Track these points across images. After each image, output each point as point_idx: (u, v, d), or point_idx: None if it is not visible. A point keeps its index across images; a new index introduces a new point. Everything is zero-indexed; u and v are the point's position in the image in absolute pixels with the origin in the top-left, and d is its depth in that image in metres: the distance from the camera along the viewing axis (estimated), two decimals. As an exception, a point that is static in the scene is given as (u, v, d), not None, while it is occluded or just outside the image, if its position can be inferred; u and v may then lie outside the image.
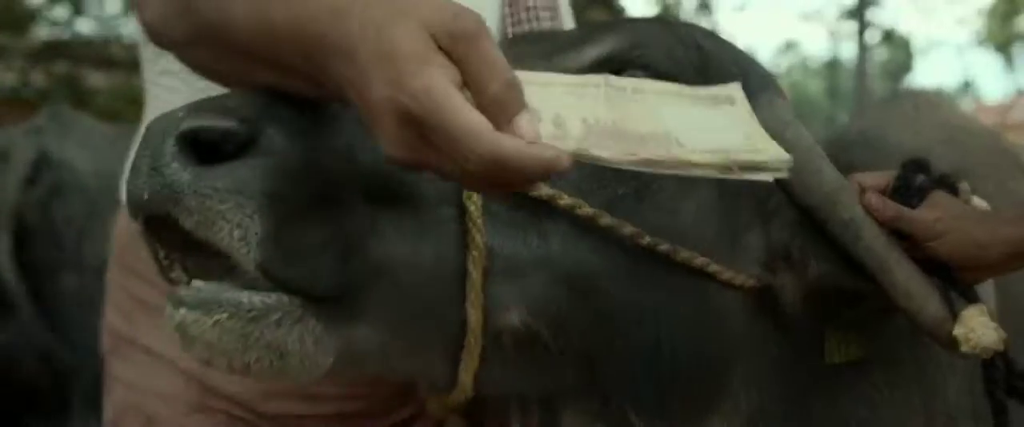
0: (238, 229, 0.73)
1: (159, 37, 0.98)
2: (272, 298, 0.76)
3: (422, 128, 0.65)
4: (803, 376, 1.00)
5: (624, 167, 0.71)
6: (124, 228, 1.27)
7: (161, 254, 0.80)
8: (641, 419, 0.95)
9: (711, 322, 0.96)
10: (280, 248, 0.74)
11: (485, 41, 0.67)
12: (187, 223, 0.74)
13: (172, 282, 0.81)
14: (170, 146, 0.74)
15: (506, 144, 0.64)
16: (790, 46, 34.23)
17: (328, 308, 0.78)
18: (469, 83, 0.67)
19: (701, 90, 0.84)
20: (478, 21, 0.68)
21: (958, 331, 0.85)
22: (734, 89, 0.84)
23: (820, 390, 1.01)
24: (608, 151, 0.70)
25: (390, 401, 1.23)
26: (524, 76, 0.71)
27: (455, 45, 0.67)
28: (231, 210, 0.73)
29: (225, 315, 0.75)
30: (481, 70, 0.67)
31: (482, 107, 0.66)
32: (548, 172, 0.66)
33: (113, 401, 1.28)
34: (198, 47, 0.91)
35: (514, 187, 0.70)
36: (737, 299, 0.97)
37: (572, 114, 0.72)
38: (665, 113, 0.77)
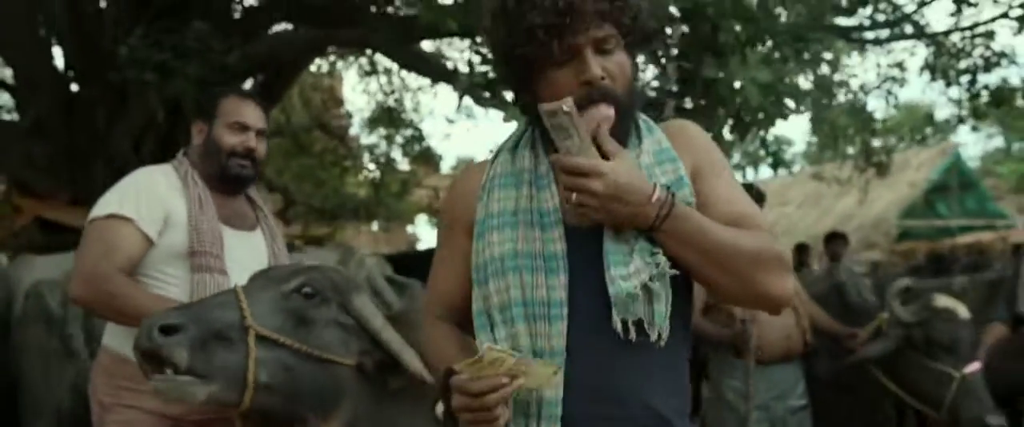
0: (178, 354, 1.95)
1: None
2: (188, 378, 1.98)
3: None
4: (377, 402, 2.38)
5: None
6: (107, 356, 2.55)
7: (146, 366, 2.03)
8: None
9: (337, 380, 2.28)
10: (193, 360, 1.98)
11: None
12: (164, 353, 1.95)
13: (147, 374, 2.02)
14: (156, 330, 1.96)
15: None
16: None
17: (203, 380, 2.01)
18: None
19: None
20: None
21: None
22: None
23: (387, 407, 2.40)
24: None
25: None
26: None
27: None
28: (178, 347, 1.95)
29: (178, 384, 1.97)
30: None
31: None
32: None
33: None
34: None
35: None
36: (349, 371, 2.31)
37: None
38: None
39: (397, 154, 13.81)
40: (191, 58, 6.46)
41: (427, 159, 14.26)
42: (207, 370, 2.01)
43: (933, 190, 16.61)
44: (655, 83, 4.92)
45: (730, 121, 5.12)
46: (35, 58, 7.68)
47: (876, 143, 10.92)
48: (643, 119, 1.69)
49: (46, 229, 7.62)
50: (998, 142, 31.78)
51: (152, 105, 7.00)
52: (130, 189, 2.58)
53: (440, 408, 1.48)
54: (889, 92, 11.04)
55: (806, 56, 9.43)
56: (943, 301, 3.82)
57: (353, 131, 14.86)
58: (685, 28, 4.75)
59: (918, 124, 9.78)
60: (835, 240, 8.60)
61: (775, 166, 6.92)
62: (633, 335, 1.49)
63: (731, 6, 4.25)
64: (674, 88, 4.68)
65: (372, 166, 13.98)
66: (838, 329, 4.06)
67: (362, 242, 19.31)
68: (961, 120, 10.41)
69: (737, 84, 4.62)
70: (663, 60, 4.41)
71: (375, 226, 17.15)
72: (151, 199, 2.54)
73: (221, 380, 2.02)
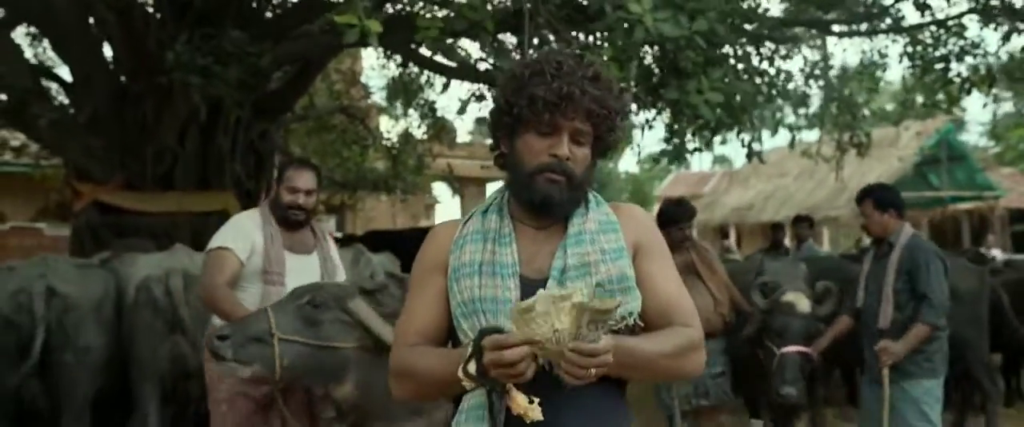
0: (226, 352, 3.01)
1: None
2: (235, 365, 3.02)
3: None
4: (379, 369, 3.27)
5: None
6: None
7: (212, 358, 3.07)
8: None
9: (342, 359, 3.20)
10: (235, 355, 3.02)
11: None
12: (219, 352, 3.00)
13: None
14: (215, 338, 3.02)
15: None
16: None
17: (245, 365, 3.04)
18: None
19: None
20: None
21: None
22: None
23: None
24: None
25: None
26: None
27: None
28: (226, 348, 3.01)
29: (229, 367, 3.04)
30: None
31: None
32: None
33: (223, 391, 3.59)
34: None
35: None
36: (353, 351, 3.20)
37: None
38: None
39: (414, 123, 14.64)
40: (230, 63, 7.35)
41: (441, 133, 15.07)
42: (248, 359, 3.07)
43: (925, 163, 17.42)
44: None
45: (690, 130, 6.03)
46: (88, 57, 8.62)
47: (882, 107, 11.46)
48: (594, 195, 1.97)
49: (102, 210, 8.63)
50: (1007, 107, 32.12)
51: (195, 102, 7.92)
52: (231, 229, 3.79)
53: (472, 366, 1.63)
54: (871, 76, 11.84)
55: (784, 50, 10.27)
56: (789, 296, 4.73)
57: (374, 98, 15.74)
58: (653, 56, 5.64)
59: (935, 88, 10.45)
60: (800, 223, 9.44)
61: (749, 156, 7.76)
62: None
63: (685, 42, 5.12)
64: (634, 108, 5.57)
65: (391, 141, 14.85)
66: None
67: (381, 210, 20.34)
68: (935, 105, 11.18)
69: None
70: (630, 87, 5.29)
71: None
72: (244, 236, 3.75)
73: (259, 364, 3.06)
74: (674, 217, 5.04)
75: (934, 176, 17.62)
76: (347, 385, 3.23)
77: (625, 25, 4.95)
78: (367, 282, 3.64)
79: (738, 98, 5.89)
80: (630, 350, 1.71)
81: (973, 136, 36.70)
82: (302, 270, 3.75)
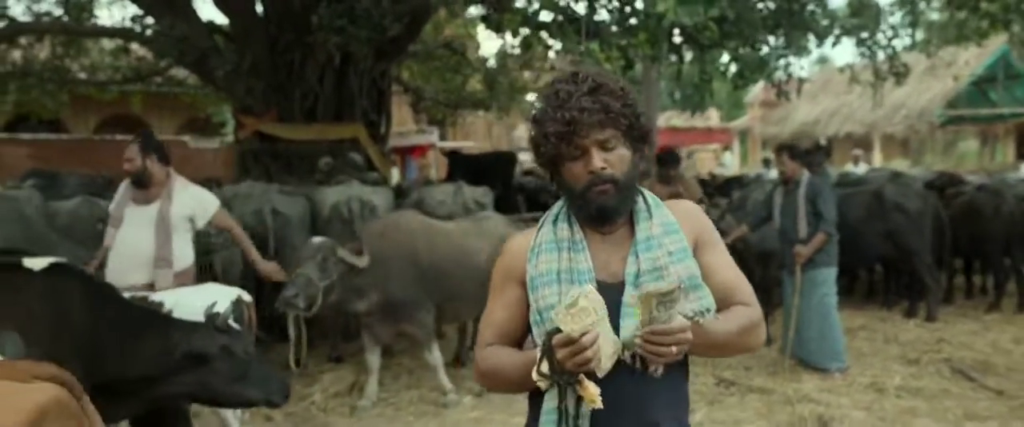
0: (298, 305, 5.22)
1: None
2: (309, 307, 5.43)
3: None
4: (352, 274, 5.61)
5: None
6: None
7: None
8: None
9: (361, 290, 5.70)
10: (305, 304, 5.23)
11: None
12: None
13: None
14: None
15: None
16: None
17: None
18: None
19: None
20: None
21: None
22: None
23: (354, 278, 5.73)
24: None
25: None
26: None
27: None
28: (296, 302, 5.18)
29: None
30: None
31: None
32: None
33: None
34: None
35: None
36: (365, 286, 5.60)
37: None
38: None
39: (510, 40, 16.26)
40: (360, 23, 9.42)
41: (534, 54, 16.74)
42: (310, 302, 5.11)
43: (984, 81, 18.51)
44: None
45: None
46: (245, 14, 10.85)
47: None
48: (651, 197, 2.03)
49: (260, 138, 10.99)
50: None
51: (331, 52, 10.09)
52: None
53: (545, 366, 1.73)
54: (912, 11, 13.19)
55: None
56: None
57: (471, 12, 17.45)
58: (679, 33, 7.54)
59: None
60: (817, 151, 11.11)
61: (777, 96, 9.54)
62: (639, 366, 1.81)
63: (702, 26, 7.00)
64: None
65: (488, 62, 16.74)
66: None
67: (479, 125, 22.49)
68: (966, 37, 12.51)
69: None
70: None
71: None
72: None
73: (313, 302, 5.11)
74: (668, 161, 7.40)
75: (994, 93, 18.69)
76: (364, 302, 5.42)
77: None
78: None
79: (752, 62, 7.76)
80: (706, 331, 1.83)
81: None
82: (140, 217, 4.91)
